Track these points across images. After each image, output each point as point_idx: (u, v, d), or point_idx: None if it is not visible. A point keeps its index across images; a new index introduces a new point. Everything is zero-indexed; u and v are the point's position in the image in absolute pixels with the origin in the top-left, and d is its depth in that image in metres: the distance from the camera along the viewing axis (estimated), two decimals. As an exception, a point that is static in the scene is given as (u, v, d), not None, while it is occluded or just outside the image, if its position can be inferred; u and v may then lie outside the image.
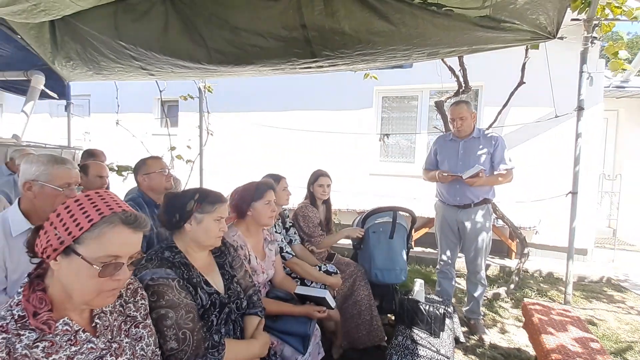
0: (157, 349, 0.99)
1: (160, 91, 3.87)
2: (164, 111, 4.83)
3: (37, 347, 0.74)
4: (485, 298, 3.22)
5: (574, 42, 3.09)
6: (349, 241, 2.81)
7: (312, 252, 2.40)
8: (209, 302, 1.21)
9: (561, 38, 2.21)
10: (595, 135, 4.18)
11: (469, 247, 2.59)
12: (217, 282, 1.32)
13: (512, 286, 3.43)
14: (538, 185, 4.23)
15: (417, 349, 1.80)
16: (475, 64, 3.42)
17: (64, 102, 4.06)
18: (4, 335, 0.71)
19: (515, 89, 3.41)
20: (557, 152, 4.22)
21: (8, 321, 0.74)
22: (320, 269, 2.17)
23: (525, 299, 2.52)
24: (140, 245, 0.86)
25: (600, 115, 4.18)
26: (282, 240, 2.14)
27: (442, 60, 3.17)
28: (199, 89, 4.01)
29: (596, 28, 2.60)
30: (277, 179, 2.27)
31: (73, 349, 0.79)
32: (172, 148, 4.06)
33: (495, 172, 2.51)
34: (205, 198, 1.31)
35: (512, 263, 4.12)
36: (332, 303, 1.77)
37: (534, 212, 4.19)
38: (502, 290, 3.37)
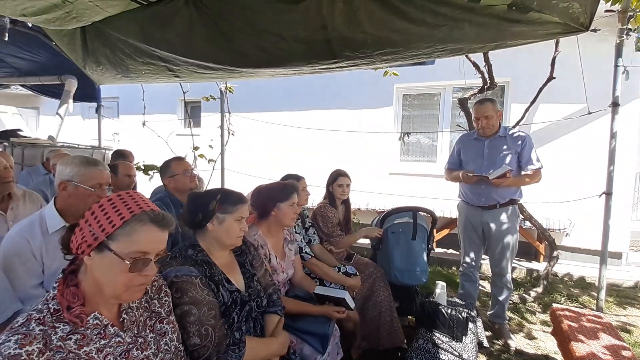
0: (180, 345, 1.03)
1: (184, 93, 3.98)
2: (187, 112, 4.98)
3: (70, 339, 0.78)
4: (510, 302, 3.11)
5: (607, 34, 2.92)
6: (369, 241, 2.79)
7: (331, 251, 2.40)
8: (230, 299, 1.24)
9: (594, 30, 2.10)
10: (631, 132, 3.93)
11: (494, 249, 2.50)
12: (238, 280, 1.34)
13: (540, 290, 3.29)
14: (569, 185, 4.03)
15: (438, 352, 1.76)
16: (502, 59, 3.29)
17: (95, 104, 4.26)
18: (42, 327, 0.76)
19: (545, 84, 3.26)
20: (590, 150, 4.00)
21: (45, 314, 0.78)
22: (339, 270, 2.17)
23: (554, 304, 2.41)
24: (166, 243, 0.89)
25: (636, 111, 3.92)
26: (301, 241, 2.15)
27: (466, 55, 3.08)
28: (221, 90, 4.09)
29: (631, 19, 2.45)
30: (297, 179, 2.29)
31: (102, 342, 0.83)
32: (195, 148, 4.18)
33: (523, 173, 2.41)
34: (227, 198, 1.34)
35: (540, 266, 3.96)
36: (352, 304, 1.77)
37: (564, 214, 4.00)
38: (529, 295, 3.24)
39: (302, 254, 2.08)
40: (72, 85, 4.00)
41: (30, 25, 3.04)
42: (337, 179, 2.59)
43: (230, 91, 4.10)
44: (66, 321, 0.79)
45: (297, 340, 1.56)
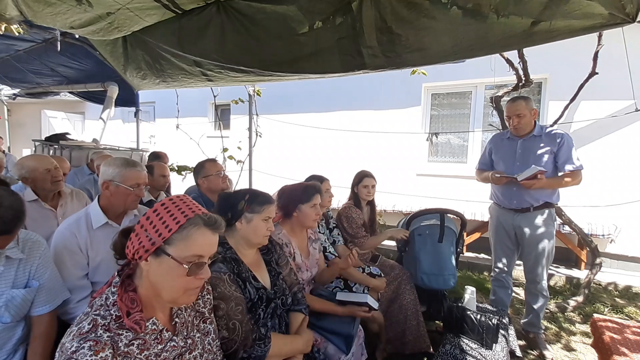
0: (218, 341, 1.06)
1: (214, 96, 4.14)
2: (217, 115, 5.16)
3: (133, 344, 0.80)
4: (547, 311, 2.94)
5: (659, 24, 2.68)
6: (395, 243, 2.75)
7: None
8: (257, 296, 1.28)
9: (642, 21, 1.93)
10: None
11: (528, 255, 2.37)
12: (264, 278, 1.38)
13: (580, 299, 3.08)
14: (614, 188, 3.74)
15: (466, 359, 1.71)
16: (539, 54, 3.11)
17: (133, 109, 4.53)
18: (109, 334, 0.77)
19: (586, 80, 3.05)
20: (638, 150, 3.70)
21: (109, 321, 0.79)
22: (363, 271, 2.16)
23: (595, 315, 2.25)
24: (217, 245, 0.90)
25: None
26: (325, 241, 2.16)
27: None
28: (249, 93, 4.21)
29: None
30: (321, 180, 2.30)
31: (159, 347, 0.85)
32: (225, 149, 4.32)
33: (560, 174, 2.27)
34: (255, 199, 1.38)
35: (581, 274, 3.70)
36: (375, 305, 1.75)
37: (609, 218, 3.72)
38: (568, 304, 3.05)
39: (326, 254, 2.09)
40: (113, 91, 4.28)
41: (77, 36, 3.31)
42: (363, 179, 2.58)
43: (258, 94, 4.21)
44: (127, 328, 0.80)
45: (321, 339, 1.57)
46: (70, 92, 5.15)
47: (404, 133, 4.94)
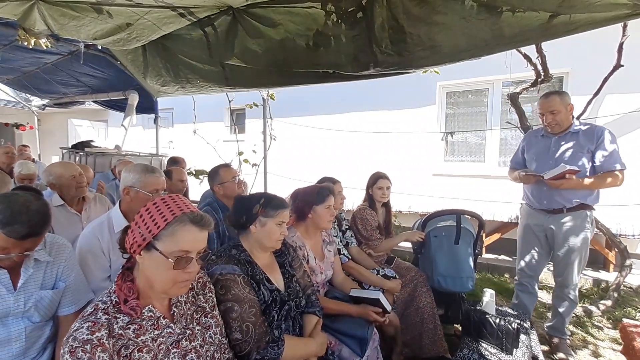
0: (224, 338, 1.10)
1: (230, 101, 4.22)
2: (232, 119, 5.26)
3: (129, 328, 0.88)
4: (574, 315, 2.81)
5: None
6: (410, 244, 2.72)
7: (370, 255, 2.38)
8: (271, 298, 1.29)
9: (672, 9, 1.83)
10: None
11: (558, 257, 2.25)
12: (278, 280, 1.39)
13: (609, 303, 2.94)
14: (644, 185, 3.55)
15: (485, 364, 1.67)
16: (559, 48, 2.98)
17: (153, 115, 4.69)
18: (107, 316, 0.87)
19: (610, 73, 2.92)
20: (669, 145, 3.50)
21: (108, 305, 0.89)
22: (377, 273, 2.15)
23: (625, 320, 2.14)
24: (206, 242, 0.96)
25: None
26: (338, 243, 2.16)
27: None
28: (263, 97, 4.27)
29: None
30: (333, 182, 2.31)
31: (156, 332, 0.93)
32: (240, 153, 4.39)
33: (599, 174, 2.11)
34: (269, 203, 1.40)
35: (610, 276, 3.53)
36: (388, 306, 1.73)
37: (638, 218, 3.53)
38: (596, 307, 2.91)
39: (340, 256, 2.09)
40: (134, 99, 4.45)
41: (100, 47, 3.46)
42: (377, 181, 2.56)
43: (272, 98, 4.26)
44: (125, 312, 0.89)
45: (335, 341, 1.57)
46: (94, 101, 5.39)
47: (419, 133, 4.87)
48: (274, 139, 4.49)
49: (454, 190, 4.63)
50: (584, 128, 2.18)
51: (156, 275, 0.91)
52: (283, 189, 2.72)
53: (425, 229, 2.41)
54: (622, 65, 2.85)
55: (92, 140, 4.74)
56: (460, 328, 2.41)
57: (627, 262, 3.08)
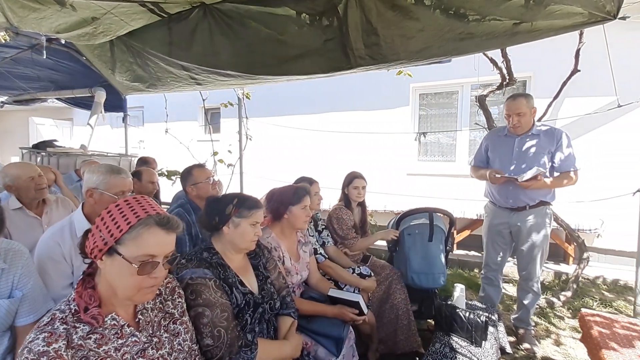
0: (194, 345, 1.07)
1: (203, 100, 4.12)
2: (207, 119, 5.14)
3: (90, 338, 0.83)
4: (537, 307, 2.97)
5: (638, 21, 2.75)
6: (385, 243, 2.77)
7: (346, 254, 2.40)
8: (244, 301, 1.27)
9: (623, 18, 1.97)
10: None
11: (522, 252, 2.38)
12: (251, 283, 1.37)
13: (569, 294, 3.13)
14: (599, 183, 3.81)
15: (455, 357, 1.72)
16: (523, 53, 3.16)
17: (122, 114, 4.49)
18: (65, 326, 0.81)
19: (569, 77, 3.11)
20: (622, 145, 3.77)
21: (67, 314, 0.83)
22: (353, 271, 2.17)
23: (584, 309, 2.29)
24: (173, 245, 0.92)
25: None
26: (315, 242, 2.17)
27: (483, 52, 3.00)
28: (238, 96, 4.20)
29: (668, 2, 2.30)
30: (310, 182, 2.31)
31: (119, 341, 0.88)
32: (215, 153, 4.30)
33: (557, 174, 2.26)
34: (243, 203, 1.37)
35: (569, 269, 3.76)
36: (365, 309, 1.76)
37: (595, 213, 3.79)
38: (558, 299, 3.09)
39: (316, 256, 2.09)
40: (101, 96, 4.24)
41: (63, 42, 3.27)
42: (353, 181, 2.58)
43: (247, 97, 4.20)
44: (85, 321, 0.84)
45: (311, 342, 1.57)
46: (57, 99, 5.08)
47: (394, 133, 4.98)
48: (250, 138, 4.43)
49: (427, 189, 4.76)
50: (544, 130, 2.31)
51: (119, 281, 0.87)
52: (259, 190, 2.69)
53: (399, 228, 2.46)
54: (579, 70, 3.04)
55: (55, 140, 4.48)
56: (433, 323, 2.49)
57: (585, 255, 3.29)
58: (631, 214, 2.63)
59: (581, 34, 2.87)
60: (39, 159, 3.90)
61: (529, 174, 2.17)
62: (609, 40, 2.70)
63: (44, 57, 3.21)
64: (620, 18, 1.48)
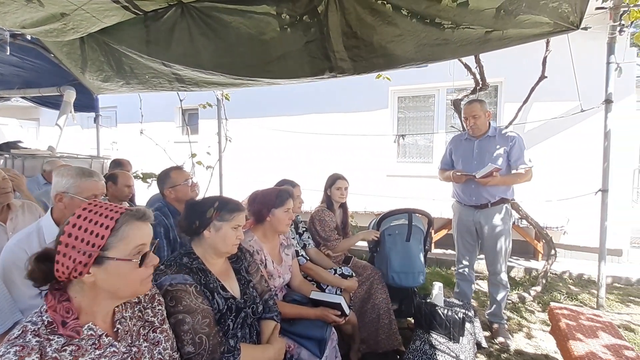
0: (175, 353, 1.04)
1: (181, 100, 4.01)
2: (184, 120, 5.01)
3: (65, 350, 0.79)
4: (510, 302, 3.11)
5: (599, 31, 2.94)
6: (366, 243, 2.80)
7: (328, 255, 2.41)
8: (226, 306, 1.25)
9: (585, 28, 2.11)
10: (628, 128, 3.95)
11: (488, 249, 2.54)
12: (233, 287, 1.35)
13: (539, 289, 3.29)
14: (565, 183, 4.04)
15: (435, 354, 1.77)
16: (495, 59, 3.31)
17: (93, 114, 4.30)
18: (38, 339, 0.77)
19: (536, 83, 3.29)
20: (585, 148, 4.02)
21: (39, 326, 0.79)
22: (335, 272, 2.18)
23: (552, 303, 2.41)
24: (152, 233, 0.96)
25: (632, 107, 3.94)
26: (296, 245, 2.17)
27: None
28: (217, 97, 4.13)
29: (624, 15, 2.48)
30: (292, 185, 2.30)
31: (97, 352, 0.84)
32: (193, 155, 4.20)
33: (513, 172, 2.46)
34: (224, 206, 1.35)
35: (539, 265, 3.96)
36: (347, 310, 1.78)
37: (561, 212, 4.01)
38: (528, 294, 3.25)
39: (298, 258, 2.09)
40: (70, 95, 4.03)
41: (29, 37, 3.09)
42: (335, 182, 2.60)
43: (226, 98, 4.14)
44: (60, 333, 0.80)
45: (294, 344, 1.57)
46: (22, 97, 4.79)
47: (373, 135, 5.05)
48: (230, 140, 4.36)
49: (406, 190, 4.87)
50: (499, 133, 2.53)
51: (121, 283, 0.87)
52: (239, 192, 2.66)
53: (380, 228, 2.50)
54: (546, 77, 3.22)
55: (19, 141, 4.22)
56: (413, 321, 2.54)
57: (553, 251, 3.48)
58: (594, 212, 2.80)
59: (548, 43, 3.04)
60: (1, 161, 3.66)
61: (483, 171, 2.36)
62: (573, 49, 2.88)
63: (7, 53, 3.03)
64: (582, 28, 1.60)
